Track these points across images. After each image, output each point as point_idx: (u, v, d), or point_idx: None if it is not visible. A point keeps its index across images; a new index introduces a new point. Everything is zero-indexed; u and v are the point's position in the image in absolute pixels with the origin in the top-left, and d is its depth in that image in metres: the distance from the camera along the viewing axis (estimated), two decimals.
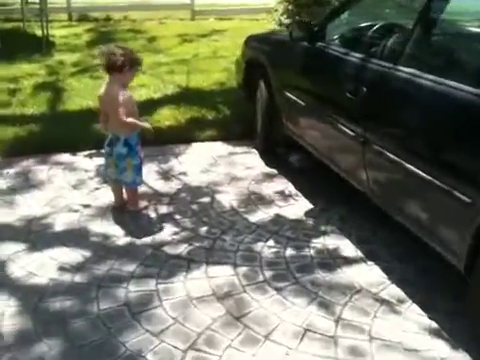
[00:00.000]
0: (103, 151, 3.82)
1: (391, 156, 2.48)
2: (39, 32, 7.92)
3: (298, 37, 3.32)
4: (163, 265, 2.74)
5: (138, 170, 3.22)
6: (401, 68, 2.48)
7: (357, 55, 2.87)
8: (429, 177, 2.26)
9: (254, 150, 4.24)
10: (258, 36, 4.30)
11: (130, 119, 3.03)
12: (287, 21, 9.39)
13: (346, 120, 2.84)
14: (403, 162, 2.40)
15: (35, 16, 8.68)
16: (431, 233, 2.39)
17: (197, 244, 2.93)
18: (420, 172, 2.31)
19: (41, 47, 7.39)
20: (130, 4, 10.98)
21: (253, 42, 4.25)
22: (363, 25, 3.17)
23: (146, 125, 3.14)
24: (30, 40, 7.85)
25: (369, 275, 2.67)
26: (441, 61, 2.42)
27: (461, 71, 2.29)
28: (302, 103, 3.31)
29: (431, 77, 2.30)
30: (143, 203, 3.33)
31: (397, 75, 2.49)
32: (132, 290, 2.55)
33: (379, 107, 2.60)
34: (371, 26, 3.01)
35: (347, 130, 2.82)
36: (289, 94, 3.47)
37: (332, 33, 3.24)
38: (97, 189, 3.58)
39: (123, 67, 3.03)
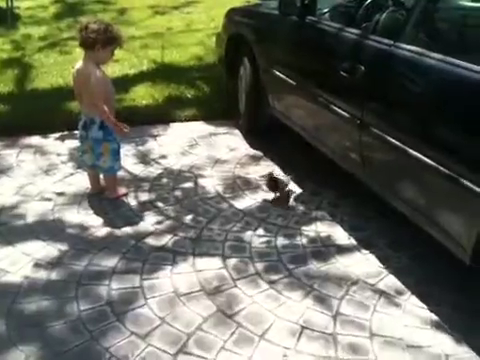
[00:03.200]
0: (76, 132, 3.59)
1: (391, 140, 2.32)
2: (3, 4, 7.46)
3: (286, 11, 3.10)
4: (147, 258, 2.55)
5: (116, 155, 2.99)
6: (403, 45, 2.30)
7: (352, 31, 2.68)
8: (434, 163, 2.11)
9: (236, 130, 4.04)
10: (241, 9, 4.06)
11: (102, 106, 2.77)
12: None
13: (340, 101, 2.67)
14: (405, 146, 2.25)
15: None
16: (432, 222, 2.26)
17: (182, 234, 2.75)
18: (424, 158, 2.16)
19: (5, 20, 6.98)
20: None
21: (236, 16, 4.00)
22: None
23: (118, 125, 2.84)
24: None
25: (365, 265, 2.54)
26: (448, 38, 2.25)
27: (472, 49, 2.13)
28: (291, 82, 3.12)
29: (437, 56, 2.13)
30: (122, 190, 3.11)
31: (399, 53, 2.32)
32: (114, 287, 2.36)
33: (379, 88, 2.42)
34: None
35: (342, 111, 2.65)
36: (277, 72, 3.26)
37: (323, 6, 3.03)
38: (71, 175, 3.34)
39: (94, 44, 2.78)
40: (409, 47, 2.28)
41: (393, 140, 2.31)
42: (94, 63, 2.83)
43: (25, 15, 7.57)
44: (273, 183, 3.06)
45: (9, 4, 7.25)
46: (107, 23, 2.86)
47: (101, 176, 3.11)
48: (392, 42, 2.38)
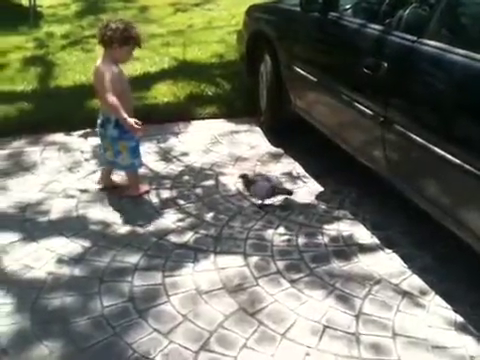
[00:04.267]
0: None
1: (415, 137, 2.29)
2: (25, 2, 7.56)
3: (308, 7, 3.08)
4: (168, 255, 2.57)
5: (134, 152, 2.98)
6: (427, 41, 2.27)
7: (375, 27, 2.64)
8: (459, 161, 2.08)
9: (257, 128, 4.04)
10: (262, 6, 4.03)
11: (114, 102, 2.74)
12: None
13: (363, 98, 2.64)
14: (429, 144, 2.21)
15: None
16: (457, 220, 2.22)
17: (203, 232, 2.75)
18: (448, 155, 2.12)
19: (28, 18, 7.06)
20: None
21: (257, 12, 3.99)
22: None
23: (129, 121, 2.77)
24: (16, 11, 7.50)
25: (388, 264, 2.51)
26: (473, 34, 2.21)
27: None
28: (313, 79, 3.09)
29: (462, 52, 2.09)
30: (144, 187, 3.13)
31: (423, 49, 2.28)
32: (137, 284, 2.38)
33: (402, 84, 2.38)
34: None
35: (364, 108, 2.62)
36: (299, 69, 3.24)
37: (345, 2, 3.00)
38: (94, 172, 3.37)
39: (112, 43, 2.79)
40: (433, 43, 2.24)
41: (417, 137, 2.27)
42: (111, 61, 2.84)
43: (47, 13, 7.67)
44: (246, 181, 3.03)
45: (32, 2, 7.35)
46: (127, 22, 2.85)
47: (122, 173, 3.12)
48: (416, 38, 2.35)
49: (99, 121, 3.00)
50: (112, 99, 2.76)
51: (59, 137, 3.86)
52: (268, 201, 2.99)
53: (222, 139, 3.86)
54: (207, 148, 3.72)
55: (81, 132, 3.93)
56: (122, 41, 2.79)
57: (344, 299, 2.29)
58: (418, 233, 2.70)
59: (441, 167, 2.21)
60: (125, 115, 2.78)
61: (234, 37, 5.23)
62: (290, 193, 3.04)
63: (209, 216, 2.89)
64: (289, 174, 3.35)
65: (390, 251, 2.60)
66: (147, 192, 3.11)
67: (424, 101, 2.29)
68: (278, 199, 3.02)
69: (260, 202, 2.99)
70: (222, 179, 3.28)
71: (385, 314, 2.21)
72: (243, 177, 3.06)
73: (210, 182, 3.26)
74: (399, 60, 2.41)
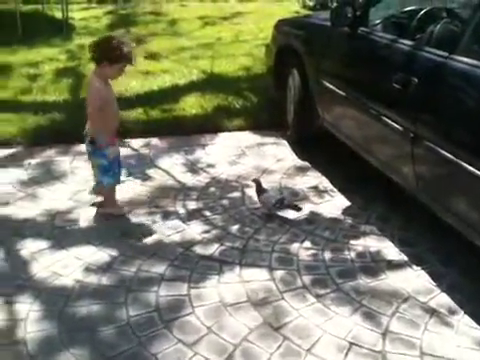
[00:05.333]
0: (127, 140, 3.73)
1: (446, 154, 2.26)
2: (59, 14, 7.75)
3: (338, 22, 3.09)
4: (194, 267, 2.58)
5: (105, 171, 2.96)
6: (459, 57, 2.25)
7: (405, 42, 2.64)
8: None
9: (284, 140, 4.04)
10: (291, 20, 4.06)
11: (93, 112, 2.80)
12: (312, 3, 9.12)
13: (393, 113, 2.63)
14: (460, 161, 2.19)
15: None
16: None
17: (229, 244, 2.76)
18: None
19: (61, 30, 7.23)
20: None
21: (285, 27, 4.01)
22: (411, 8, 2.93)
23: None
24: (50, 23, 7.69)
25: (415, 282, 2.48)
26: None
27: None
28: (342, 93, 3.09)
29: None
30: (114, 210, 3.05)
31: (454, 65, 2.26)
32: (163, 295, 2.39)
33: (433, 101, 2.37)
34: (420, 10, 2.78)
35: (394, 124, 2.60)
36: (327, 83, 3.25)
37: (375, 18, 3.00)
38: (122, 182, 3.41)
39: (101, 61, 2.80)
40: (465, 59, 2.23)
41: (448, 154, 2.25)
42: (101, 78, 2.84)
43: (79, 26, 7.83)
44: (258, 188, 3.05)
45: (65, 15, 7.53)
46: (119, 41, 2.81)
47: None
48: (447, 54, 2.33)
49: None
50: (93, 111, 2.81)
51: None
52: (275, 212, 2.99)
53: (248, 151, 3.87)
54: (233, 160, 3.73)
55: None
56: (112, 59, 2.78)
57: (371, 316, 2.26)
58: (446, 250, 2.66)
59: (472, 184, 2.17)
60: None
61: (261, 50, 5.28)
62: (299, 209, 3.01)
63: (235, 228, 2.90)
64: (315, 188, 3.34)
65: (418, 268, 2.56)
66: (115, 216, 3.01)
67: (455, 117, 2.26)
68: (286, 212, 3.00)
69: (266, 212, 3.00)
70: (248, 191, 3.28)
71: (413, 333, 2.17)
72: (256, 182, 3.07)
73: (236, 194, 3.27)
74: (430, 76, 2.39)
